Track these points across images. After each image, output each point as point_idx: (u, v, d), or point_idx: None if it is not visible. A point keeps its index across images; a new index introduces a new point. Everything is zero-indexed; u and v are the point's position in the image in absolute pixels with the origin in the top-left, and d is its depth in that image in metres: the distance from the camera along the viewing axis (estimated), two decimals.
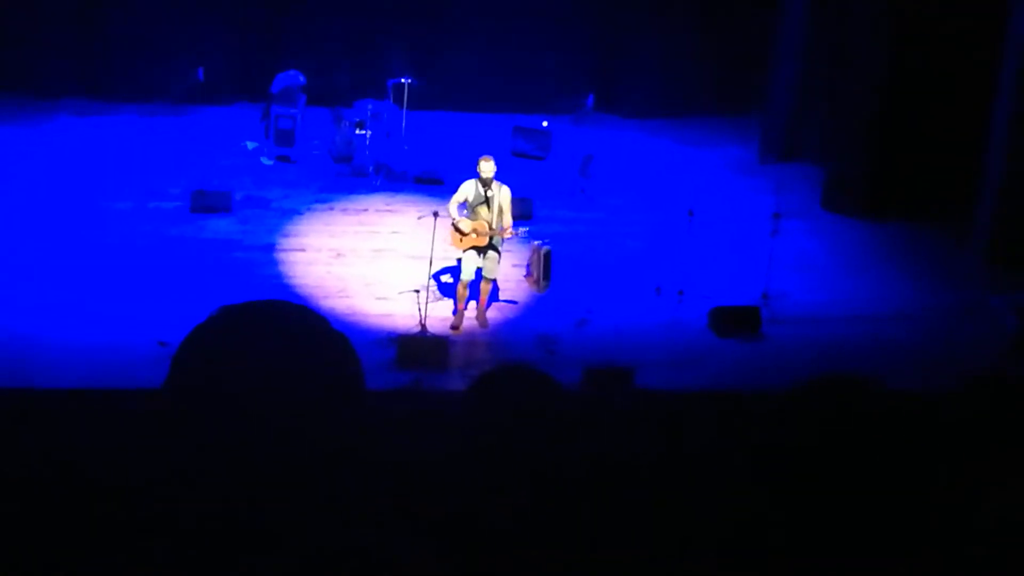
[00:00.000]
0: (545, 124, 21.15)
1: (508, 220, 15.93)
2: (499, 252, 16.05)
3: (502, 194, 15.91)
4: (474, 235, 15.86)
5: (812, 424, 4.96)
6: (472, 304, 16.20)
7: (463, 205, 16.04)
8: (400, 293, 16.36)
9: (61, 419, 8.16)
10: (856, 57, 19.80)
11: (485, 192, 15.89)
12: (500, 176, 16.06)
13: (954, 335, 16.33)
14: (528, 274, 17.18)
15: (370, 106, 20.25)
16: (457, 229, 15.87)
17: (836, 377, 5.07)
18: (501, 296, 16.71)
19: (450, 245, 16.08)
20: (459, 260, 16.11)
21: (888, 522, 5.32)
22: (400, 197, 19.56)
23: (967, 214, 18.53)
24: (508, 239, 16.29)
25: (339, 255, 17.77)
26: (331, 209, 19.20)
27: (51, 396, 12.39)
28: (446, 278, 16.77)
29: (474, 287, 16.14)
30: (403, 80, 20.26)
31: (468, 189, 15.91)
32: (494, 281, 16.20)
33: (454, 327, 15.96)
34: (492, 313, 16.33)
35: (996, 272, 17.80)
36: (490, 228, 15.88)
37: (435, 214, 15.72)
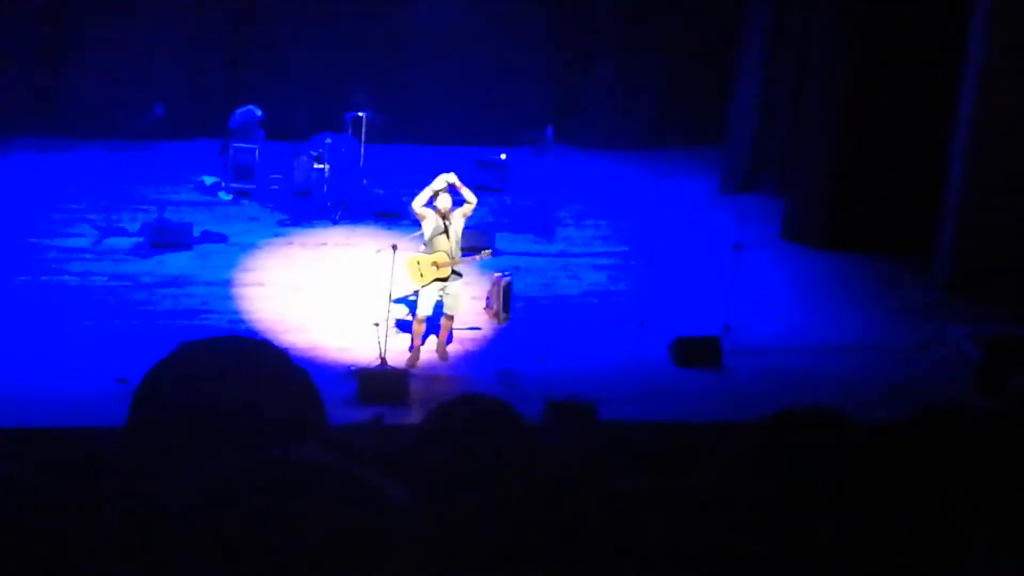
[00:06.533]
0: (503, 156, 21.16)
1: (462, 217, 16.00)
2: (461, 287, 16.04)
3: (458, 220, 15.94)
4: (435, 268, 15.82)
5: (777, 457, 4.95)
6: (431, 339, 16.14)
7: (420, 237, 16.07)
8: (360, 327, 16.28)
9: (19, 458, 8.06)
10: (815, 89, 19.89)
11: (445, 224, 15.88)
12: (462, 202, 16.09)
13: (915, 367, 16.34)
14: (488, 306, 17.14)
15: (328, 140, 20.20)
16: (418, 263, 15.82)
17: (799, 410, 5.06)
18: (463, 327, 16.65)
19: (411, 280, 15.98)
20: (416, 295, 16.06)
21: (852, 554, 5.31)
22: (359, 231, 19.51)
23: (927, 245, 18.60)
24: (475, 264, 16.41)
25: (298, 289, 17.69)
26: (290, 243, 19.13)
27: (8, 435, 12.26)
28: (404, 313, 16.66)
29: (432, 321, 16.08)
30: (360, 114, 20.21)
31: (429, 215, 15.89)
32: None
33: (410, 364, 15.86)
34: (453, 347, 16.28)
35: (956, 303, 17.85)
36: (451, 258, 15.87)
37: (394, 248, 15.67)
